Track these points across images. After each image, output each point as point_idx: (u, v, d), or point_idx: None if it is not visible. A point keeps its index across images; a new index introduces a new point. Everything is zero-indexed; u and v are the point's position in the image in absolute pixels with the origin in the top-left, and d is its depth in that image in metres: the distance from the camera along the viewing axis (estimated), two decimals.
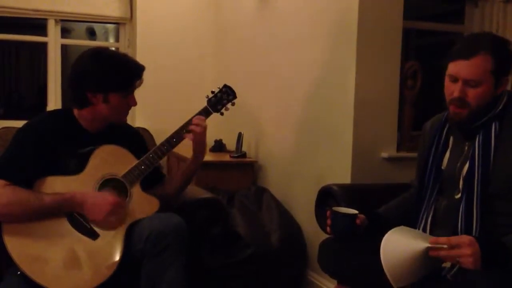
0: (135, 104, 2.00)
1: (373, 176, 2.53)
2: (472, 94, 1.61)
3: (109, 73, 1.90)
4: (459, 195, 1.68)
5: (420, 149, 1.97)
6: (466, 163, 1.68)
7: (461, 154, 1.72)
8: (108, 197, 1.87)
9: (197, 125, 2.05)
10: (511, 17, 2.89)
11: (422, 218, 1.79)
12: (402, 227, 1.59)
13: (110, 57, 1.95)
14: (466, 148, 1.71)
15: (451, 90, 1.65)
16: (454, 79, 1.64)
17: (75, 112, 1.99)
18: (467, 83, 1.61)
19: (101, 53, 1.97)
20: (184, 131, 2.07)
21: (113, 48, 4.42)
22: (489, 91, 1.62)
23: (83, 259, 1.81)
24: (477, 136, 1.66)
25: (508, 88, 1.74)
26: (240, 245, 2.81)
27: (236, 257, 2.78)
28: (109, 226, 1.87)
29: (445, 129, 1.80)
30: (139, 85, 2.02)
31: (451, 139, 1.79)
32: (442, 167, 1.78)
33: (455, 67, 1.63)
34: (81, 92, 1.92)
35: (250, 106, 3.59)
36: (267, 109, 3.45)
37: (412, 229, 1.66)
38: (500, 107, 1.66)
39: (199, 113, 2.10)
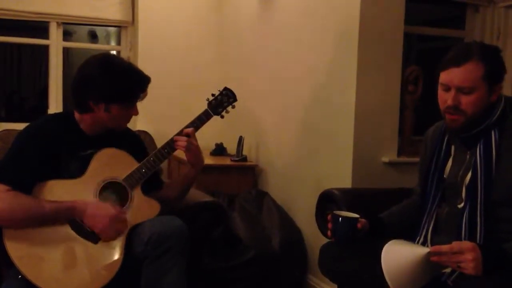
0: (136, 113, 1.99)
1: (374, 180, 2.53)
2: (466, 101, 1.62)
3: (114, 85, 1.89)
4: (461, 205, 1.68)
5: (422, 156, 1.97)
6: (468, 172, 1.68)
7: (463, 162, 1.72)
8: (108, 210, 1.86)
9: (181, 141, 2.04)
10: None
11: (424, 225, 1.79)
12: (401, 240, 1.59)
13: (117, 68, 1.92)
14: (468, 157, 1.71)
15: (445, 98, 1.65)
16: (447, 88, 1.64)
17: (76, 115, 1.99)
18: (460, 90, 1.62)
19: (109, 62, 1.94)
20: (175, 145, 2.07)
21: (114, 52, 4.42)
22: (483, 98, 1.62)
23: (84, 263, 1.81)
24: (478, 144, 1.66)
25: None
26: (241, 248, 2.81)
27: (236, 260, 2.78)
28: (108, 237, 1.86)
29: (446, 137, 1.80)
30: (143, 97, 2.00)
31: (453, 147, 1.79)
32: (444, 176, 1.78)
33: (447, 76, 1.64)
34: (83, 98, 1.92)
35: (251, 110, 3.59)
36: (268, 113, 3.46)
37: (411, 242, 1.66)
38: (497, 114, 1.66)
39: (199, 116, 2.10)
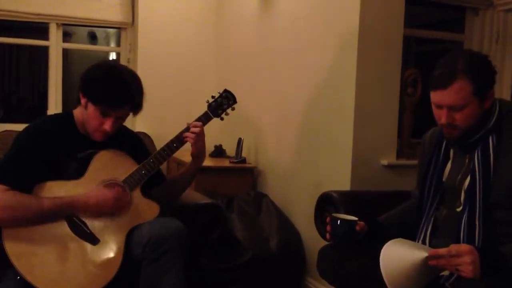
0: (108, 128, 1.91)
1: (373, 183, 2.53)
2: (460, 117, 1.62)
3: (93, 82, 1.89)
4: (460, 208, 1.68)
5: (420, 159, 1.97)
6: (467, 176, 1.68)
7: (462, 166, 1.73)
8: (107, 192, 1.88)
9: (192, 132, 2.06)
10: None
11: (422, 228, 1.79)
12: (400, 239, 1.59)
13: (108, 71, 1.91)
14: (467, 161, 1.72)
15: (439, 116, 1.66)
16: (439, 106, 1.65)
17: (75, 115, 2.00)
18: (451, 108, 1.62)
19: (109, 64, 1.97)
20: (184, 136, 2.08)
21: (114, 53, 4.42)
22: (476, 110, 1.62)
23: (83, 264, 1.81)
24: (476, 149, 1.66)
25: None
26: (239, 249, 2.81)
27: (234, 262, 2.78)
28: (115, 218, 1.90)
29: (445, 141, 1.80)
30: (123, 115, 1.95)
31: (451, 151, 1.79)
32: (443, 179, 1.78)
33: (436, 97, 1.64)
34: (79, 89, 1.94)
35: (250, 112, 3.59)
36: (267, 115, 3.46)
37: (410, 241, 1.66)
38: (493, 119, 1.66)
39: (200, 118, 2.11)
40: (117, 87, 1.89)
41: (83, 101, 1.92)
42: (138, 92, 1.95)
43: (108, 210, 1.88)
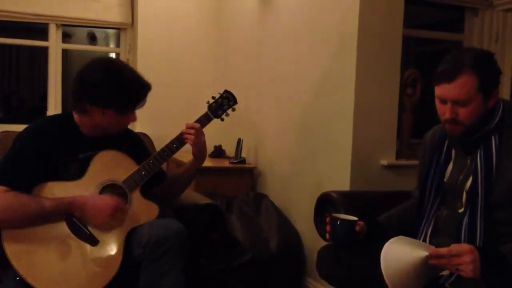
0: (134, 120, 1.97)
1: (372, 183, 2.53)
2: (463, 112, 1.62)
3: (113, 92, 1.87)
4: (462, 209, 1.68)
5: (421, 159, 1.97)
6: (469, 176, 1.68)
7: (464, 167, 1.73)
8: (109, 201, 1.87)
9: (187, 133, 2.06)
10: (511, 26, 2.91)
11: (423, 229, 1.79)
12: (401, 236, 1.59)
13: (119, 75, 1.90)
14: (469, 161, 1.71)
15: (443, 111, 1.66)
16: (443, 101, 1.65)
17: (75, 117, 1.99)
18: (456, 103, 1.62)
19: (111, 68, 1.91)
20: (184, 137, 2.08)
21: (114, 54, 4.42)
22: (480, 107, 1.62)
23: (83, 265, 1.81)
24: (478, 150, 1.66)
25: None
26: (239, 250, 2.81)
27: (234, 263, 2.78)
28: (109, 229, 1.87)
29: (446, 141, 1.80)
30: (143, 105, 1.99)
31: (453, 151, 1.79)
32: (445, 179, 1.78)
33: (441, 90, 1.64)
34: (81, 100, 1.91)
35: (250, 112, 3.59)
36: (267, 115, 3.46)
37: (412, 239, 1.66)
38: (496, 119, 1.66)
39: (200, 119, 2.11)
40: (134, 83, 1.92)
41: (98, 110, 1.89)
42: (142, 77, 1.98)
43: (102, 219, 1.85)
